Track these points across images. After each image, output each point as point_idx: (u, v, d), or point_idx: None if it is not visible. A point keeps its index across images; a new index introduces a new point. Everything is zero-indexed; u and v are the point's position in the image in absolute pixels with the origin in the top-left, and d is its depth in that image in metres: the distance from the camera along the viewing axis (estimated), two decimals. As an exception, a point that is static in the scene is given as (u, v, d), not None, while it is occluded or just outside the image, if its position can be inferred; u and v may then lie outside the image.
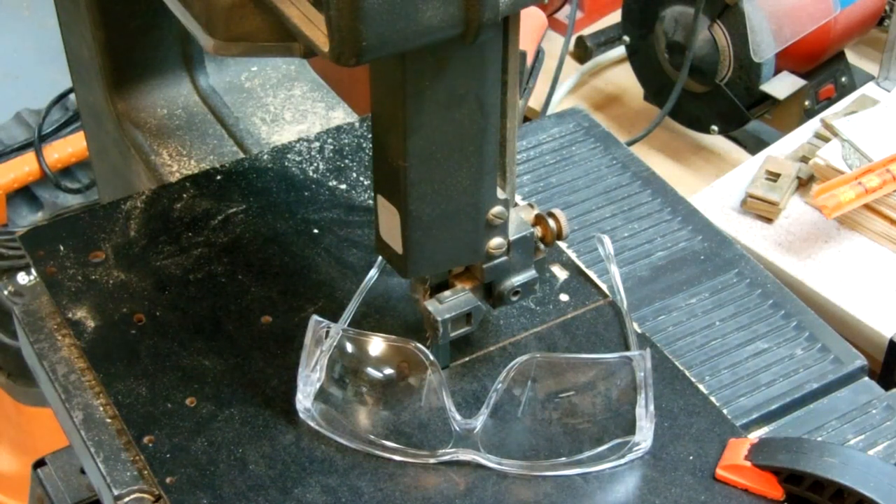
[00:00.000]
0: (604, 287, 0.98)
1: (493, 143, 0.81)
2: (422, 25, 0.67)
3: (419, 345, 0.85)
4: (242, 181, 1.07)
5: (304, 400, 0.87)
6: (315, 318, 0.87)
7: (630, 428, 0.85)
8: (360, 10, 0.65)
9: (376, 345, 0.87)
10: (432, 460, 0.85)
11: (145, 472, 0.85)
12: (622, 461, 0.84)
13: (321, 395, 0.87)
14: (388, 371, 0.87)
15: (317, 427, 0.86)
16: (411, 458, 0.85)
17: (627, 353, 0.88)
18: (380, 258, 0.94)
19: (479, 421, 0.84)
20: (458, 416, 0.84)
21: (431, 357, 0.85)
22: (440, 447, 0.85)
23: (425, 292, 0.87)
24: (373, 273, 0.95)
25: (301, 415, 0.87)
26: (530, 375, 0.86)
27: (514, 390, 0.86)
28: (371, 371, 0.88)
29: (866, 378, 0.96)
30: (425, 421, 0.87)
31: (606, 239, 0.99)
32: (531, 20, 1.40)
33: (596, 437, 0.85)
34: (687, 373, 0.92)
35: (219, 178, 1.08)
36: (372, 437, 0.86)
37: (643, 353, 0.87)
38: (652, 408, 0.85)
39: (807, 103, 1.58)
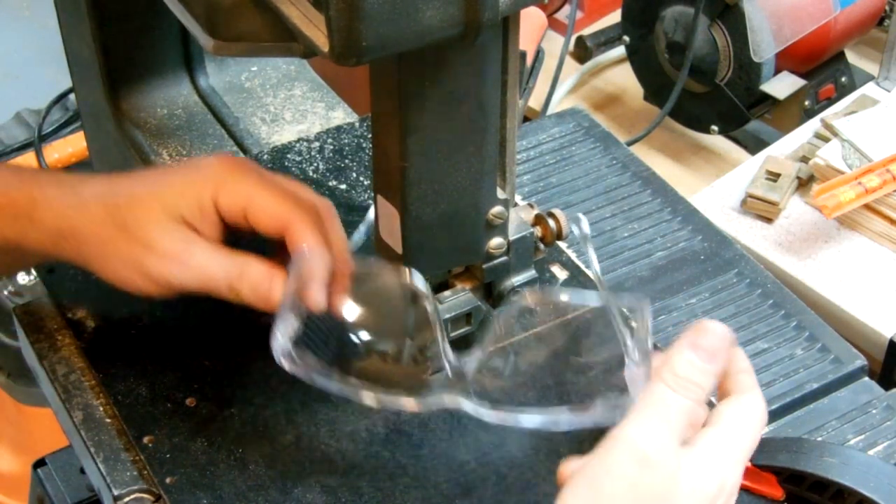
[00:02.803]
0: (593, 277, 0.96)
1: (493, 143, 0.81)
2: (422, 25, 0.67)
3: (415, 271, 0.82)
4: (242, 181, 1.07)
5: (283, 340, 0.81)
6: (302, 249, 0.82)
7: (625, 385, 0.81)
8: (360, 10, 0.65)
9: (364, 270, 0.84)
10: (416, 406, 0.82)
11: (145, 472, 0.85)
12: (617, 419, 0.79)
13: (302, 337, 0.82)
14: (377, 302, 0.85)
15: (294, 371, 0.81)
16: (393, 403, 0.81)
17: (625, 302, 0.84)
18: (367, 215, 0.91)
19: (473, 360, 0.81)
20: (449, 352, 0.81)
21: (425, 286, 0.82)
22: (427, 393, 0.81)
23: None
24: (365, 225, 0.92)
25: (278, 358, 0.81)
26: (524, 320, 0.83)
27: (507, 345, 0.83)
28: (358, 303, 0.84)
29: (866, 378, 0.96)
30: (414, 364, 0.84)
31: (584, 219, 0.93)
32: (531, 20, 1.39)
33: (589, 392, 0.83)
34: (687, 373, 0.91)
35: (219, 178, 1.07)
36: (353, 381, 0.82)
37: (642, 304, 0.82)
38: (648, 365, 0.79)
39: (807, 103, 1.58)
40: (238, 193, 0.82)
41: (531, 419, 0.81)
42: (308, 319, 0.83)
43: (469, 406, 0.81)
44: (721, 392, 0.77)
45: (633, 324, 0.82)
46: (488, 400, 0.82)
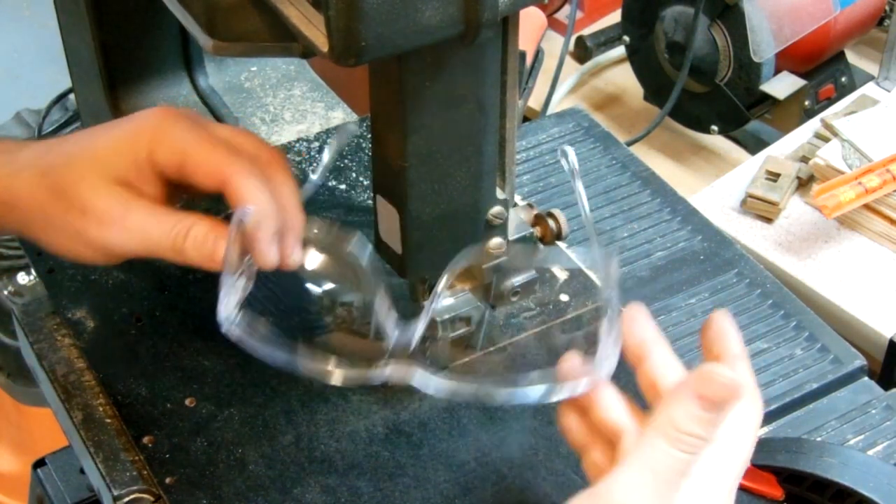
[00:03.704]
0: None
1: (492, 143, 0.81)
2: (421, 25, 0.67)
3: (359, 236, 0.78)
4: (242, 181, 1.07)
5: (228, 307, 0.77)
6: (241, 209, 0.77)
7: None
8: (360, 10, 0.65)
9: (311, 233, 0.81)
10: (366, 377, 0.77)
11: (145, 472, 0.85)
12: (577, 392, 0.75)
13: (249, 305, 0.78)
14: (323, 268, 0.83)
15: (239, 341, 0.77)
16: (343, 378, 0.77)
17: (596, 257, 0.81)
18: (330, 146, 0.87)
19: (419, 327, 0.77)
20: (392, 320, 0.76)
21: (368, 248, 0.78)
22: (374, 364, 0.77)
23: (424, 292, 0.87)
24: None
25: (223, 326, 0.77)
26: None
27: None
28: (305, 270, 0.81)
29: (866, 378, 0.96)
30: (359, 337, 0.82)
31: (571, 152, 0.86)
32: (531, 20, 1.39)
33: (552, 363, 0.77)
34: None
35: (219, 178, 1.07)
36: (300, 353, 0.77)
37: (609, 260, 0.77)
38: (615, 337, 0.75)
39: (807, 103, 1.58)
40: (173, 148, 0.77)
41: (485, 390, 0.76)
42: (256, 279, 0.79)
43: (418, 379, 0.76)
44: None
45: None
46: (440, 372, 0.78)
